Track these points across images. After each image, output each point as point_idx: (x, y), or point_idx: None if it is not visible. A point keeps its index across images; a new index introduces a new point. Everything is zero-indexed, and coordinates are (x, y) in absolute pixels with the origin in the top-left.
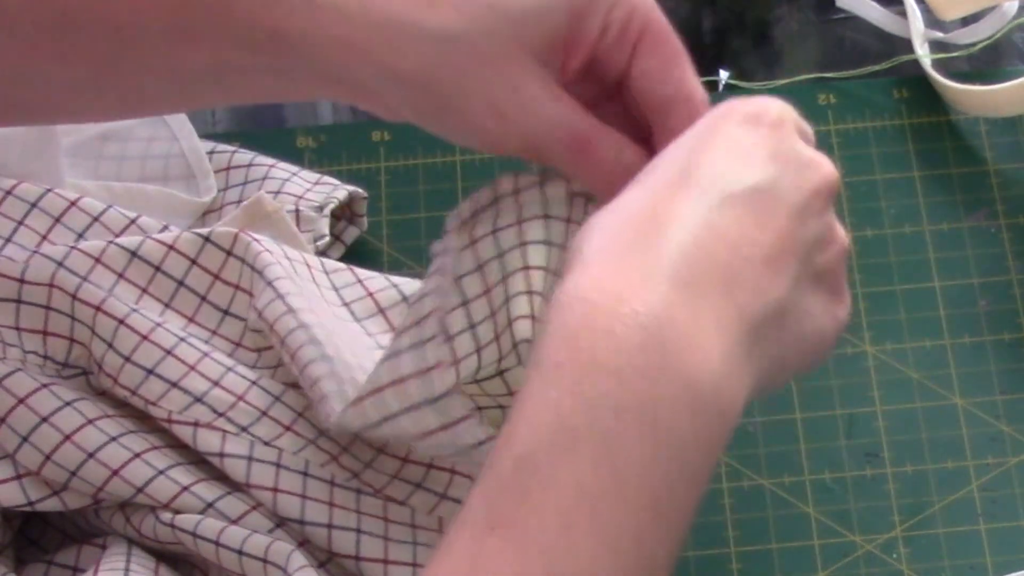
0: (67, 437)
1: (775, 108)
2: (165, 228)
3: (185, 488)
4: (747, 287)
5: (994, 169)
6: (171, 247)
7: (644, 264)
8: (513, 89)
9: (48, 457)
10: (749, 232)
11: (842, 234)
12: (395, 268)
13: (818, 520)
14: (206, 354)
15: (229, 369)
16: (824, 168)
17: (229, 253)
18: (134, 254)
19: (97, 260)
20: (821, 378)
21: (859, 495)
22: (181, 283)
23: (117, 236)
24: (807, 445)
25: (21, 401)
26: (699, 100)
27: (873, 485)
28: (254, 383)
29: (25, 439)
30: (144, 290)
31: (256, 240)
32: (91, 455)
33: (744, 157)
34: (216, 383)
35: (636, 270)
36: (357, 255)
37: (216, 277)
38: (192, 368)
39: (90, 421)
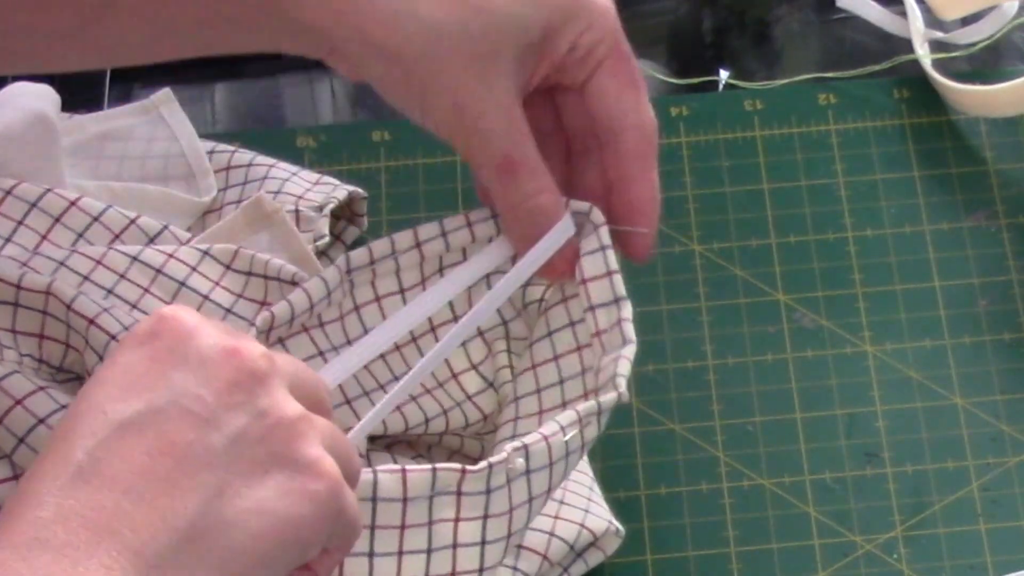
0: None
1: (167, 316)
2: (165, 228)
3: None
4: (135, 524)
5: (994, 169)
6: (171, 256)
7: (17, 538)
8: (479, 91)
9: None
10: (139, 463)
11: (288, 410)
12: None
13: (818, 520)
14: None
15: None
16: (239, 355)
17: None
18: (135, 259)
19: (98, 262)
20: (821, 378)
21: (859, 495)
22: (183, 284)
23: (117, 236)
24: (807, 445)
25: (18, 402)
26: (650, 128)
27: (873, 485)
28: None
29: (22, 440)
30: (146, 290)
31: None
32: None
33: (131, 382)
34: None
35: (13, 546)
36: None
37: (216, 284)
38: None
39: None
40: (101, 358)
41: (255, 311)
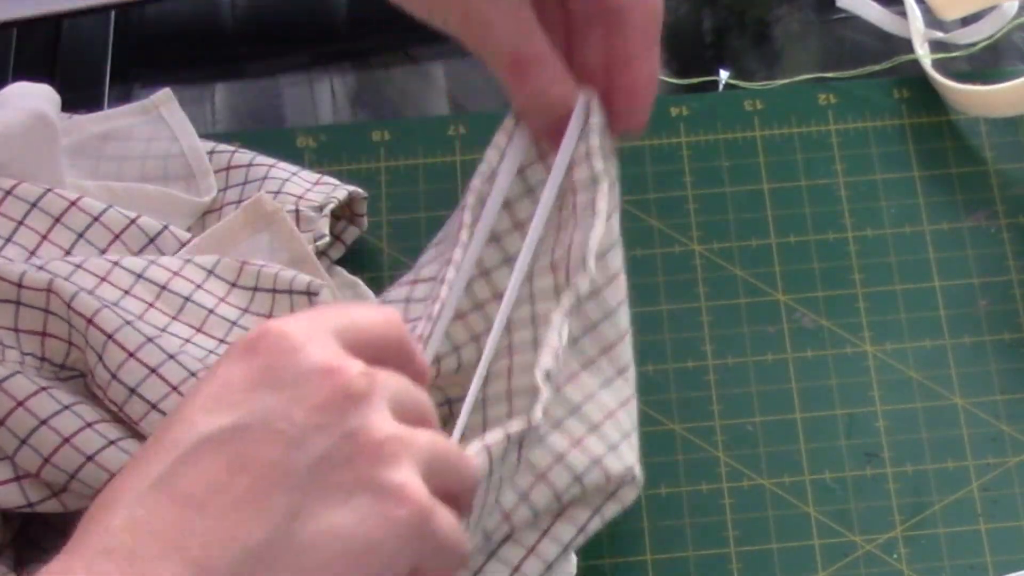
0: (66, 440)
1: (273, 329)
2: (165, 228)
3: None
4: (205, 540)
5: (994, 169)
6: (176, 273)
7: (87, 545)
8: (486, 2)
9: (47, 460)
10: (216, 479)
11: (380, 431)
12: (395, 268)
13: (818, 520)
14: (193, 373)
15: None
16: (336, 374)
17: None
18: (140, 276)
19: (103, 279)
20: (821, 378)
21: (859, 495)
22: (188, 299)
23: (117, 236)
24: (807, 445)
25: (20, 404)
26: (655, 6)
27: (873, 485)
28: None
29: (24, 441)
30: (151, 305)
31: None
32: (90, 458)
33: (224, 397)
34: None
35: (81, 553)
36: (357, 255)
37: (222, 300)
38: (174, 389)
39: (89, 424)
40: (100, 358)
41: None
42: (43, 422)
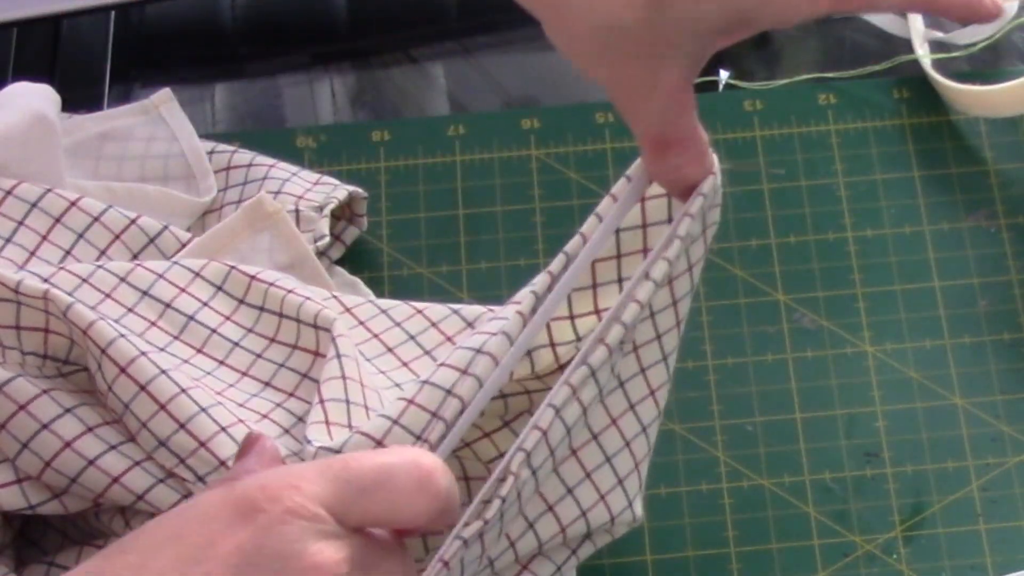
0: (67, 444)
1: (277, 500)
2: (165, 228)
3: (185, 497)
4: None
5: (994, 169)
6: (183, 290)
7: None
8: (644, 86)
9: (48, 464)
10: None
11: None
12: (395, 268)
13: (818, 520)
14: (184, 390)
15: (203, 410)
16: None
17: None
18: (145, 293)
19: (107, 295)
20: (821, 378)
21: (859, 495)
22: (191, 318)
23: (118, 236)
24: (807, 445)
25: (22, 408)
26: None
27: (873, 485)
28: (223, 429)
29: (25, 445)
30: (153, 323)
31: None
32: (91, 462)
33: (201, 560)
34: (182, 426)
35: None
36: (357, 255)
37: (227, 319)
38: (162, 407)
39: (90, 429)
40: (99, 366)
41: (264, 346)
42: (44, 426)
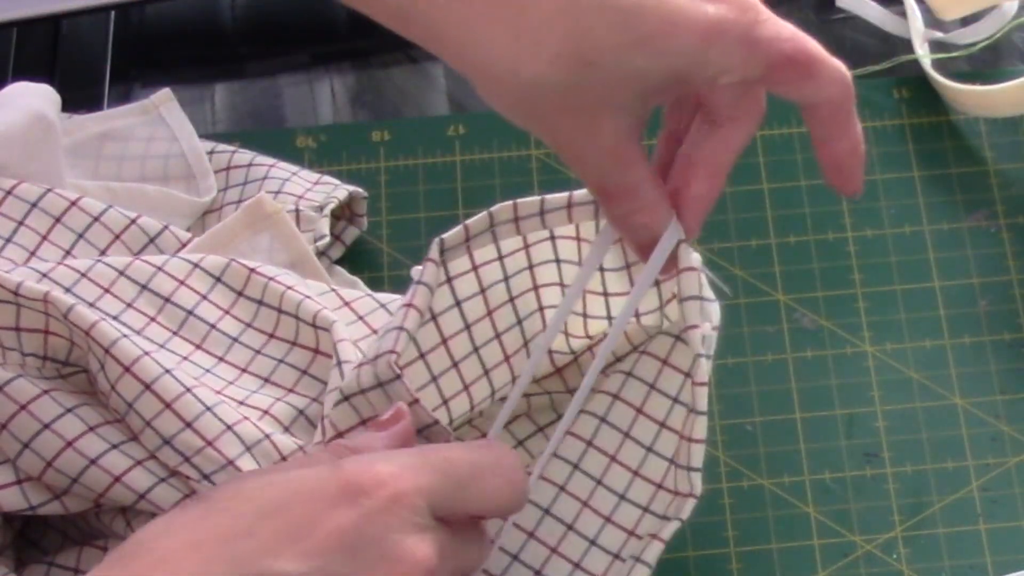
0: (68, 444)
1: (386, 485)
2: (165, 228)
3: (187, 496)
4: None
5: (994, 169)
6: (182, 282)
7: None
8: (580, 140)
9: (49, 463)
10: None
11: None
12: (395, 268)
13: (818, 520)
14: (188, 389)
15: (208, 408)
16: (417, 568)
17: (240, 294)
18: (144, 287)
19: (106, 290)
20: (821, 378)
21: (859, 495)
22: (191, 313)
23: (118, 236)
24: (807, 445)
25: (23, 408)
26: (847, 79)
27: (873, 485)
28: (230, 428)
29: (26, 445)
30: (152, 319)
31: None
32: (93, 462)
33: (303, 536)
34: (188, 424)
35: None
36: (357, 255)
37: (226, 313)
38: (168, 406)
39: (91, 428)
40: (102, 366)
41: (263, 341)
42: (46, 426)
